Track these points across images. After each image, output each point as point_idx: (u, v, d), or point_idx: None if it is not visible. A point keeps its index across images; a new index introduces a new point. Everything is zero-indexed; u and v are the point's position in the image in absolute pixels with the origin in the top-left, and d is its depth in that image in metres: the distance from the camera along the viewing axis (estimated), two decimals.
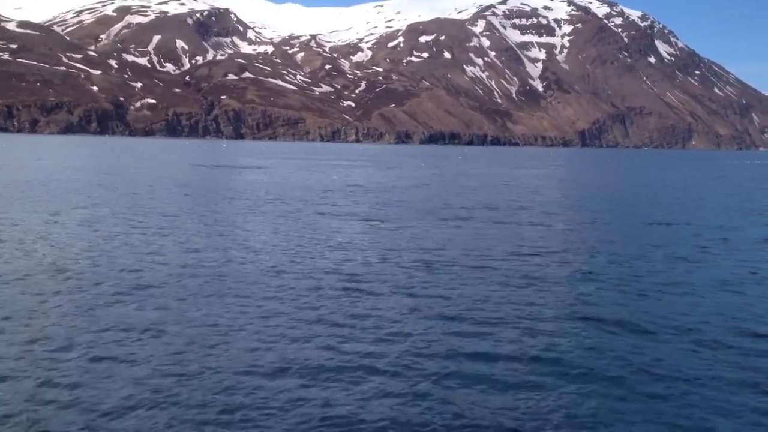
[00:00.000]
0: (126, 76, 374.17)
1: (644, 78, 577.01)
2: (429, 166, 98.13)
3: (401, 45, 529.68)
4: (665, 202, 45.16)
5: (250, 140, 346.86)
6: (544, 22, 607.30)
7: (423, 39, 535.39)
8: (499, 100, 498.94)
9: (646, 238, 26.66)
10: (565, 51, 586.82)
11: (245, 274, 17.65)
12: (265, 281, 16.86)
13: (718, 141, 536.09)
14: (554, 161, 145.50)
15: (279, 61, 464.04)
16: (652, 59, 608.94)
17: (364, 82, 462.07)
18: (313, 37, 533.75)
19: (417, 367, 11.06)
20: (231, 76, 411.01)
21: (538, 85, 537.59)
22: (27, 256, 19.43)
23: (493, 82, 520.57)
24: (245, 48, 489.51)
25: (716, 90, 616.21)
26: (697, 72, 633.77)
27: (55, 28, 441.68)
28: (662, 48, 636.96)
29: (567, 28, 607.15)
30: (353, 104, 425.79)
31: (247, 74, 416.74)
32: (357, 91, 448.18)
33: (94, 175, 52.83)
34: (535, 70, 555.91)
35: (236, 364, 11.01)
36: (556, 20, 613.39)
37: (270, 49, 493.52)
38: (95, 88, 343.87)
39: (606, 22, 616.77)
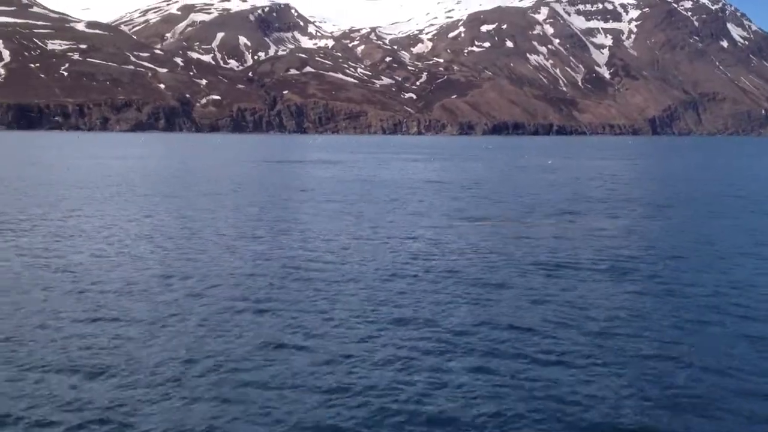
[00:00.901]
0: (191, 73, 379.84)
1: (717, 63, 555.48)
2: (503, 158, 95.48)
3: (462, 35, 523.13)
4: None
5: (313, 134, 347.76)
6: (609, 7, 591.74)
7: (484, 28, 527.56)
8: (565, 89, 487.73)
9: None
10: (633, 36, 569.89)
11: (366, 280, 16.63)
12: (386, 288, 15.73)
13: None
14: (633, 151, 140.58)
15: (339, 54, 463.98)
16: (724, 43, 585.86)
17: (425, 73, 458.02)
18: (373, 29, 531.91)
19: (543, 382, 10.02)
20: (293, 71, 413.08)
21: (605, 72, 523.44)
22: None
23: (557, 70, 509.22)
24: (306, 42, 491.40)
25: None
26: None
27: (123, 27, 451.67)
28: (735, 32, 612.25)
29: (634, 13, 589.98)
30: (414, 96, 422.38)
31: (308, 69, 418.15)
32: (418, 83, 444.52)
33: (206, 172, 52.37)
34: (601, 56, 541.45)
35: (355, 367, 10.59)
36: (622, 5, 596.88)
37: (330, 43, 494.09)
38: (162, 86, 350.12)
39: (675, 6, 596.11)
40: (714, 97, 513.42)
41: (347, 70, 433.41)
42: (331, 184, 44.89)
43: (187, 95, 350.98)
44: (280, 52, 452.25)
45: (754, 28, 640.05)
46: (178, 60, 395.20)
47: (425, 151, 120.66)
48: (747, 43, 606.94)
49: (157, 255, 19.36)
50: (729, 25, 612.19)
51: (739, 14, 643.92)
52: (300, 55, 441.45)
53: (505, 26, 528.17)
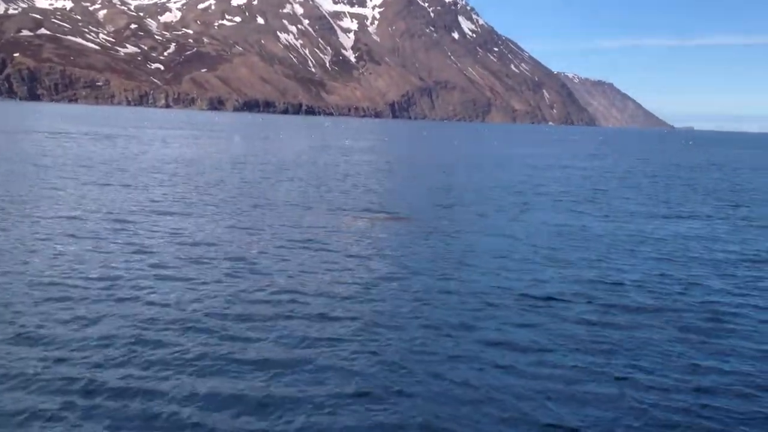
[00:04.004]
0: None
1: (449, 53, 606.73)
2: (288, 137, 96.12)
3: (212, 7, 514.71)
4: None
5: (48, 102, 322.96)
6: None
7: (235, 2, 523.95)
8: (314, 70, 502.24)
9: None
10: (376, 23, 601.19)
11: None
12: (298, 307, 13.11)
13: (513, 115, 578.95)
14: (388, 134, 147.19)
15: (79, 17, 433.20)
16: (455, 35, 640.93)
17: (174, 44, 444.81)
18: None
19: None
20: (25, 32, 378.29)
21: (351, 56, 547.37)
22: None
23: (307, 51, 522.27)
24: (41, 2, 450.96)
25: (512, 67, 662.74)
26: (496, 49, 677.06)
27: None
28: (465, 24, 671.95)
29: (377, 0, 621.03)
30: (162, 67, 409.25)
31: (43, 30, 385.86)
32: (166, 54, 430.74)
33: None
34: (347, 40, 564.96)
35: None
36: None
37: (69, 4, 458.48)
38: None
39: None
40: (446, 85, 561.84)
41: (88, 35, 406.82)
42: (138, 163, 41.06)
43: None
44: (11, 11, 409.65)
45: (481, 22, 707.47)
46: None
47: (196, 128, 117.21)
48: (475, 36, 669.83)
49: None
50: (460, 18, 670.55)
51: (469, 8, 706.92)
52: (34, 15, 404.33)
53: (255, 2, 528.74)
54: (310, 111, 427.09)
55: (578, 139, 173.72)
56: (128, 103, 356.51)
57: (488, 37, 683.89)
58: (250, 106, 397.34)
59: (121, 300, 12.87)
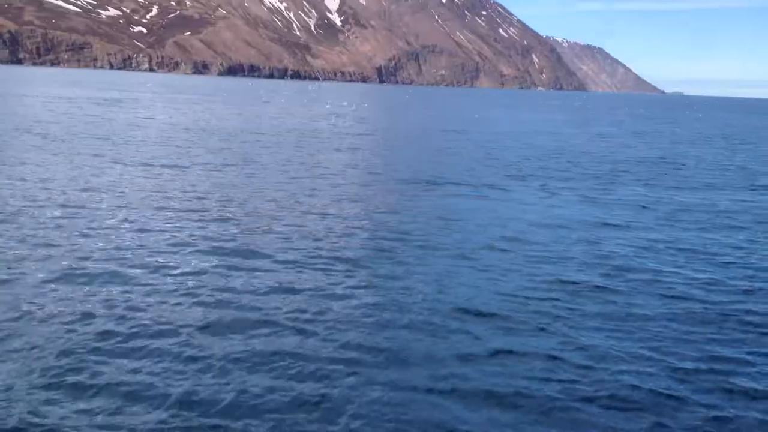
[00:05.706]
0: None
1: (436, 17, 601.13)
2: (292, 103, 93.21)
3: None
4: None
5: (30, 66, 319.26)
6: None
7: None
8: (299, 33, 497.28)
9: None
10: None
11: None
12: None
13: (502, 80, 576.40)
14: (400, 99, 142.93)
15: None
16: None
17: (156, 6, 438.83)
18: None
19: None
20: None
21: (336, 19, 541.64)
22: None
23: (291, 14, 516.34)
24: None
25: (501, 31, 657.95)
26: (484, 12, 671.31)
27: None
28: None
29: None
30: (145, 30, 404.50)
31: None
32: (148, 17, 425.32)
33: None
34: (332, 3, 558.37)
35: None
36: None
37: None
38: None
39: None
40: (433, 49, 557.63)
41: None
42: (166, 131, 39.99)
43: None
44: None
45: None
46: None
47: (192, 92, 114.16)
48: None
49: None
50: None
51: None
52: None
53: None
54: (296, 75, 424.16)
55: (580, 105, 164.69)
56: (111, 67, 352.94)
57: (476, 1, 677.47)
58: (235, 70, 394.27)
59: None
